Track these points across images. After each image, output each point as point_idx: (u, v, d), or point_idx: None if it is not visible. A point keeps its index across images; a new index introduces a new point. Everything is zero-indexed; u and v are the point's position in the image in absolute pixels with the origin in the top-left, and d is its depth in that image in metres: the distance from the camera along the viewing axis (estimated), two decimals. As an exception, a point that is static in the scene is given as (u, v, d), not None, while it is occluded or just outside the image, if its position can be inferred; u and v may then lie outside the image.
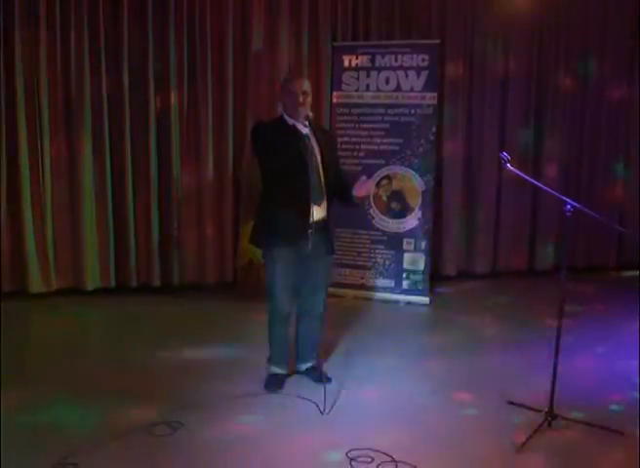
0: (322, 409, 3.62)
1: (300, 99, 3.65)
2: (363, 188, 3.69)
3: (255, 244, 3.91)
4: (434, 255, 6.21)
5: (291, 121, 3.70)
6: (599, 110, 6.83)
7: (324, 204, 3.76)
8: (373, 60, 5.72)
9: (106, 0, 5.50)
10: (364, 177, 3.69)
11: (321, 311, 4.01)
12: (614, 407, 3.75)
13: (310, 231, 3.65)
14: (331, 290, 5.84)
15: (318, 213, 3.70)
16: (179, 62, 5.73)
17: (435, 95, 5.66)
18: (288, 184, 3.66)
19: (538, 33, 6.57)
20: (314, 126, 3.73)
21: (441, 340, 4.91)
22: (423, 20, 6.27)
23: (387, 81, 5.70)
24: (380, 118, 5.77)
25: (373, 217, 5.84)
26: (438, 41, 5.84)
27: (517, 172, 3.62)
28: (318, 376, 4.00)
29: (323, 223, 3.76)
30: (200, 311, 5.55)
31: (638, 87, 6.82)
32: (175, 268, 5.97)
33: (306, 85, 3.73)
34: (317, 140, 3.73)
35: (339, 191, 3.81)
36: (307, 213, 3.66)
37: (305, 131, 3.63)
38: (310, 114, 3.65)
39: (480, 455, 3.20)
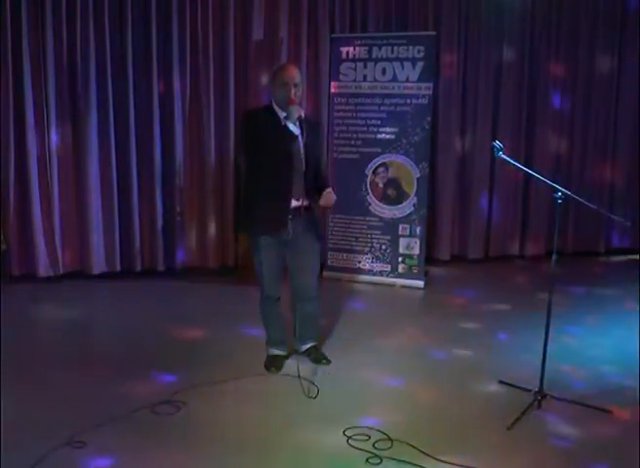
0: (318, 390, 3.72)
1: (292, 93, 3.61)
2: (327, 199, 3.73)
3: (238, 231, 3.96)
4: (429, 240, 6.35)
5: (280, 113, 3.68)
6: (589, 94, 6.93)
7: (303, 194, 3.76)
8: (370, 52, 5.82)
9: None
10: (329, 190, 3.75)
11: (314, 294, 4.01)
12: (602, 386, 3.85)
13: (290, 218, 3.69)
14: (329, 273, 6.10)
15: (298, 202, 3.74)
16: (181, 51, 5.83)
17: (430, 85, 5.75)
18: (270, 174, 3.67)
19: (529, 20, 6.66)
20: (302, 119, 3.65)
21: (434, 322, 5.03)
22: (419, 12, 6.35)
23: (384, 72, 5.81)
24: (376, 108, 5.88)
25: (369, 204, 6.00)
26: (434, 33, 5.95)
27: (510, 160, 3.68)
28: (318, 357, 4.11)
29: (305, 210, 3.78)
30: (202, 294, 5.68)
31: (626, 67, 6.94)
32: (178, 253, 6.11)
33: (298, 76, 3.68)
34: (303, 133, 3.66)
35: (312, 182, 3.82)
36: (287, 202, 3.69)
37: (293, 127, 3.58)
38: (302, 114, 3.62)
39: (472, 433, 3.29)
